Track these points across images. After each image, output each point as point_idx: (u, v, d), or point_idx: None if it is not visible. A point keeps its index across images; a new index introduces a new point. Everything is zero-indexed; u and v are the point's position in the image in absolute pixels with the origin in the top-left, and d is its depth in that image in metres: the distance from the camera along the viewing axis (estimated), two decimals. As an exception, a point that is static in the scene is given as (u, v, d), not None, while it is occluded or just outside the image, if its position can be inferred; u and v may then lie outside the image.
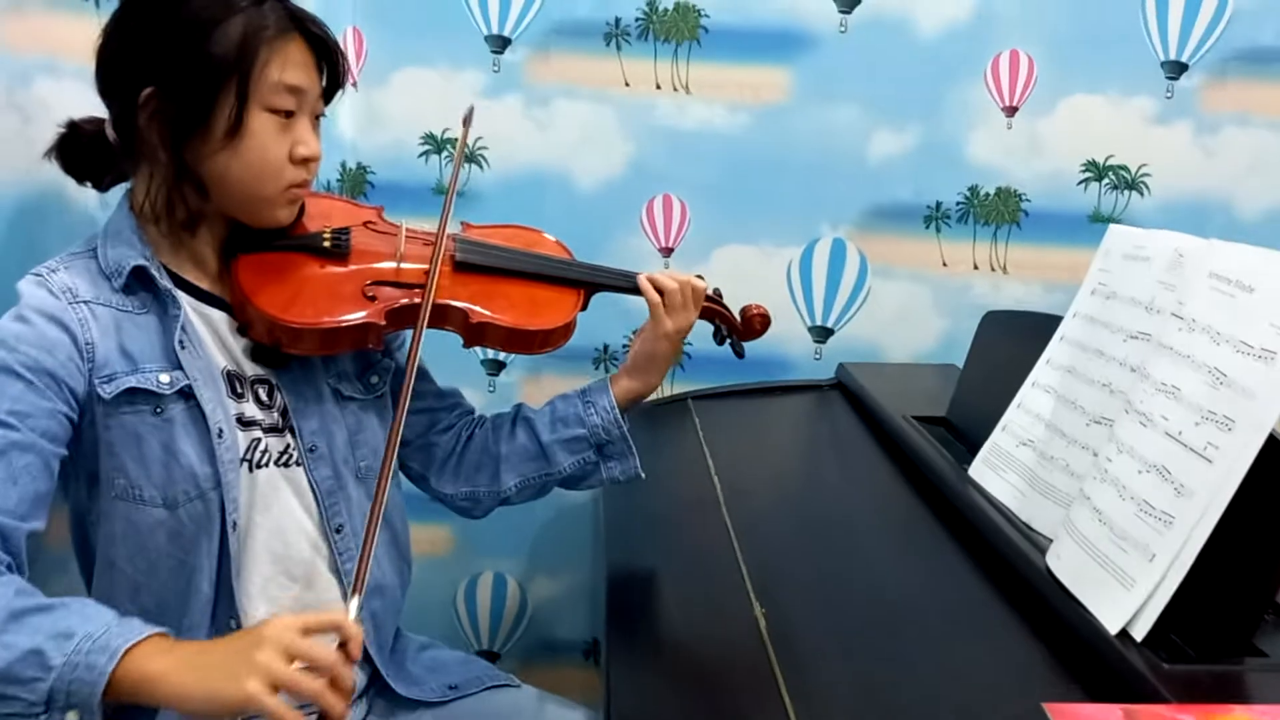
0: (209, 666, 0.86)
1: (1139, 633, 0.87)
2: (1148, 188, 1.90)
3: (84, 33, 1.23)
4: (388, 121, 1.89)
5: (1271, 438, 0.84)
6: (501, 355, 1.99)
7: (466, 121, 1.30)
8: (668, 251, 1.94)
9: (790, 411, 1.80)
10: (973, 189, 1.93)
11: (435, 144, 1.91)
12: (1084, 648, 0.91)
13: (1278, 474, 0.84)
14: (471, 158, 1.89)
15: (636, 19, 1.87)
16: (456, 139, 1.89)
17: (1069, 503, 1.04)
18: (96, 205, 1.25)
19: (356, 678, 1.15)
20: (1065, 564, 0.99)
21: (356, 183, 1.91)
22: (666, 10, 1.86)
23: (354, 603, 0.92)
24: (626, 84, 1.89)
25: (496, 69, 1.87)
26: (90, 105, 1.20)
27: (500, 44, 1.87)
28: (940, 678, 0.95)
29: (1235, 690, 0.83)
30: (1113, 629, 0.89)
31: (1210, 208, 1.89)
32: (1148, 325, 1.04)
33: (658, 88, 1.89)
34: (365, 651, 1.16)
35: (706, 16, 1.87)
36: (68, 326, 0.97)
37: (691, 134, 1.90)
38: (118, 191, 1.16)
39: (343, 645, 0.90)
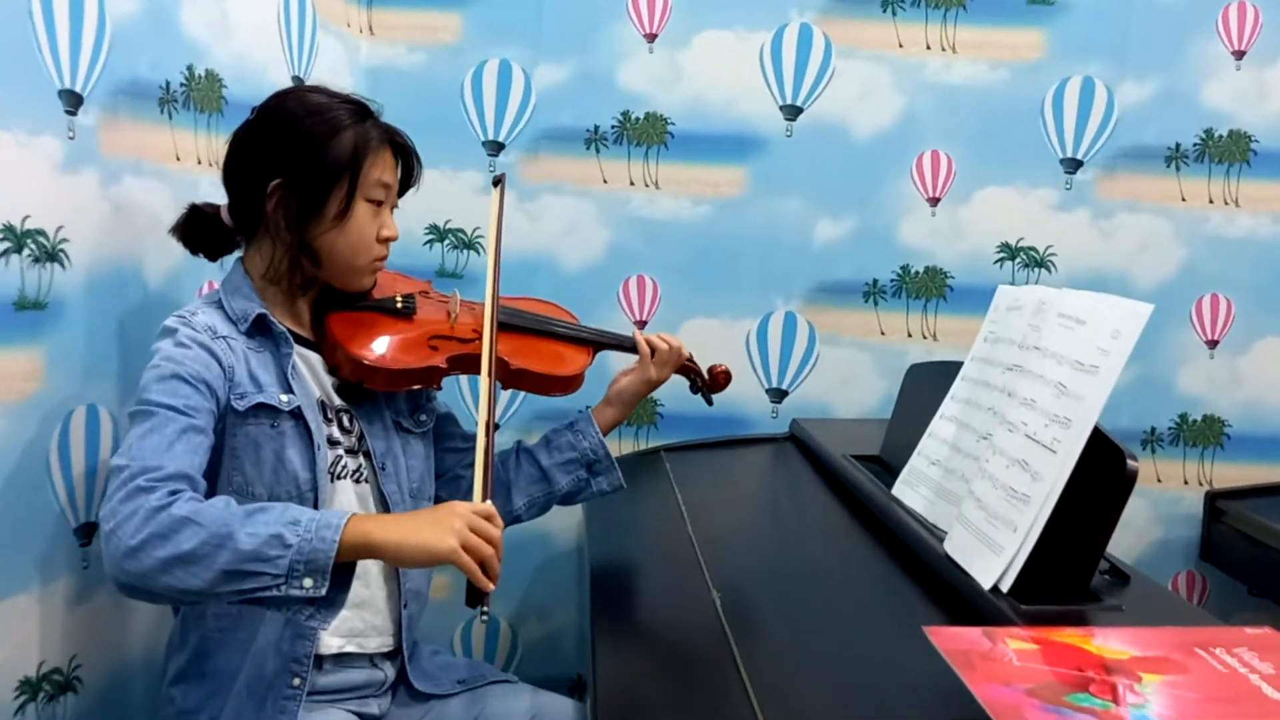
0: (418, 526, 1.12)
1: (1005, 585, 1.12)
2: (1054, 265, 2.21)
3: (161, 139, 1.53)
4: (397, 215, 2.16)
5: (1096, 429, 1.11)
6: (497, 418, 2.23)
7: (498, 183, 1.53)
8: (642, 324, 2.21)
9: (749, 460, 2.05)
10: (904, 268, 2.23)
11: (438, 233, 2.20)
12: (968, 603, 1.16)
13: (1100, 459, 1.11)
14: (470, 244, 2.18)
15: (613, 126, 2.18)
16: (456, 228, 2.19)
17: (962, 501, 1.30)
18: (167, 277, 1.52)
19: (388, 674, 1.38)
20: (956, 545, 1.24)
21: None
22: (638, 119, 2.18)
23: (488, 503, 1.18)
24: (605, 181, 2.20)
25: (493, 169, 2.17)
26: (163, 198, 1.48)
27: (496, 148, 2.18)
28: (860, 635, 1.20)
29: (1072, 620, 1.07)
30: (986, 585, 1.14)
31: (1109, 281, 2.19)
32: (1019, 358, 1.31)
33: (631, 184, 2.20)
34: (396, 649, 1.39)
35: (673, 124, 2.19)
36: (215, 353, 1.23)
37: (661, 223, 2.21)
38: (180, 265, 1.42)
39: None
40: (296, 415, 1.28)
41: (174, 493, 1.08)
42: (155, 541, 1.04)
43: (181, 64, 1.56)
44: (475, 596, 1.13)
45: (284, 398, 1.27)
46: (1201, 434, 2.27)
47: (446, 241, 2.21)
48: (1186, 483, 2.27)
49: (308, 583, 1.07)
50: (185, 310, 1.27)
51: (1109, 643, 0.97)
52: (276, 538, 1.07)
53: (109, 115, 1.39)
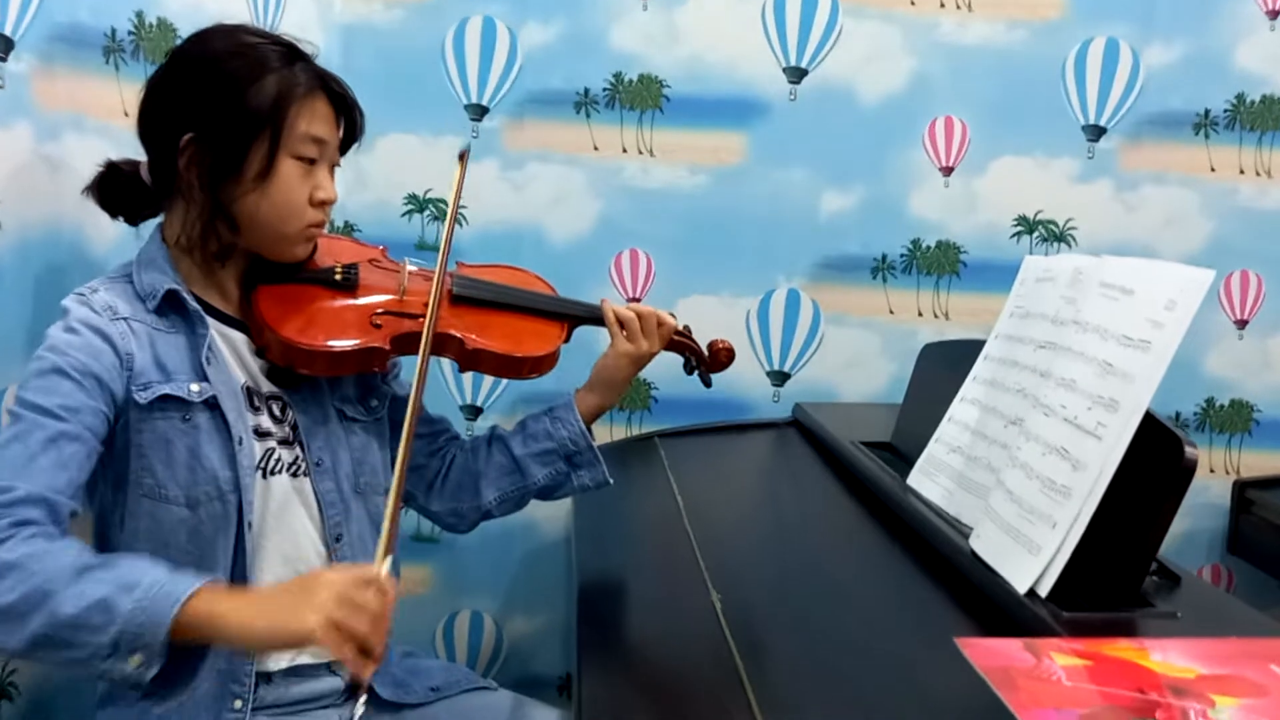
0: (272, 604, 0.97)
1: (1044, 589, 0.99)
2: (1075, 239, 2.08)
3: (106, 93, 1.39)
4: (373, 183, 2.04)
5: (1148, 414, 0.98)
6: (479, 401, 2.11)
7: (463, 158, 1.36)
8: (635, 301, 2.07)
9: (750, 446, 1.92)
10: (915, 242, 2.09)
11: (417, 203, 2.06)
12: (999, 609, 1.03)
13: (1152, 446, 0.98)
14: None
15: (604, 89, 2.04)
16: (437, 198, 2.05)
17: (989, 493, 1.17)
18: (111, 244, 1.38)
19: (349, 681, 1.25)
20: (985, 542, 1.11)
21: (344, 240, 2.05)
22: (632, 81, 2.04)
23: (386, 563, 1.01)
24: (595, 148, 2.05)
25: (475, 135, 2.03)
26: (108, 157, 1.35)
27: (479, 112, 2.04)
28: (878, 643, 1.06)
29: (1123, 630, 0.95)
30: (1022, 589, 1.01)
31: (1132, 256, 2.05)
32: (1053, 334, 1.18)
33: (624, 151, 2.06)
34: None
35: (668, 87, 2.04)
36: (110, 338, 1.08)
37: (656, 193, 2.07)
38: (126, 231, 1.29)
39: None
40: (212, 406, 1.13)
41: (19, 524, 0.95)
42: None
43: (129, 9, 1.42)
44: (350, 686, 0.97)
45: (195, 387, 1.12)
46: (1229, 419, 2.14)
47: (427, 212, 2.07)
48: (1213, 471, 2.14)
49: (134, 660, 0.93)
50: (87, 286, 1.13)
51: (1169, 657, 0.84)
52: (104, 603, 0.92)
53: (44, 63, 1.25)
